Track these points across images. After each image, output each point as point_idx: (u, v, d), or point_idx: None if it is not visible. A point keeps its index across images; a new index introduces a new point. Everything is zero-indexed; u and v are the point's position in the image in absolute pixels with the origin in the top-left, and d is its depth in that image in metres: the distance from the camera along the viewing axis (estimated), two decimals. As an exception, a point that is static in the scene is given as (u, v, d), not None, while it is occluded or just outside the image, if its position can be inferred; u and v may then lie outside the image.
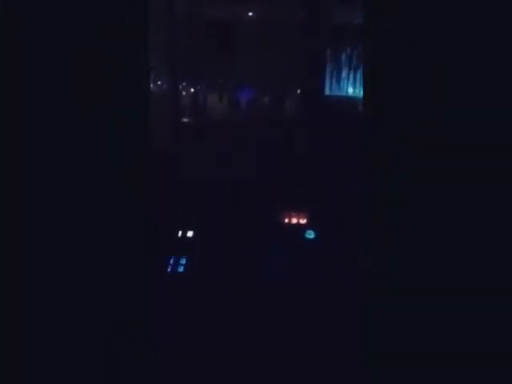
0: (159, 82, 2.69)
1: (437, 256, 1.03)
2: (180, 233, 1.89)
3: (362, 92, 3.02)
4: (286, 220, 1.89)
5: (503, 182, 0.99)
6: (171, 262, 1.78)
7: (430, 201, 1.02)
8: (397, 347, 1.08)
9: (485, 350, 1.02)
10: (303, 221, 1.88)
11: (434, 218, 1.03)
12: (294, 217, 1.89)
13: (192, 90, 2.77)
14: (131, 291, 1.12)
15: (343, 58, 3.03)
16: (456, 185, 1.01)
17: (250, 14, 2.98)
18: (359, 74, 3.04)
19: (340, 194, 1.99)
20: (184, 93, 2.78)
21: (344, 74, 3.06)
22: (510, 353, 1.01)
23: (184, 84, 2.77)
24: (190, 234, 1.89)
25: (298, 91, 2.94)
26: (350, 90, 3.07)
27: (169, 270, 1.75)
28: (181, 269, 1.76)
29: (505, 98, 0.97)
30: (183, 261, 1.79)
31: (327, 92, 3.05)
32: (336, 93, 3.05)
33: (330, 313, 1.58)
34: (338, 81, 3.07)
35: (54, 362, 1.07)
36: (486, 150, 0.99)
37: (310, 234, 1.84)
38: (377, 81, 1.06)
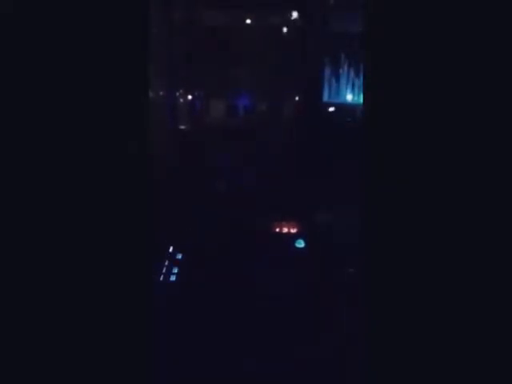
0: (158, 90, 2.70)
1: (436, 260, 1.02)
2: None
3: (360, 99, 3.01)
4: (277, 229, 1.89)
5: (502, 185, 0.98)
6: (163, 270, 1.79)
7: (429, 205, 1.02)
8: (398, 351, 1.06)
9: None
10: (293, 230, 1.88)
11: (432, 224, 1.02)
12: (284, 226, 1.89)
13: (189, 96, 2.78)
14: (129, 296, 1.12)
15: (341, 64, 3.03)
16: (455, 189, 1.01)
17: (248, 21, 2.99)
18: (357, 81, 3.04)
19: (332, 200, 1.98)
20: (181, 100, 2.78)
21: (342, 80, 3.05)
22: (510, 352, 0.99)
23: (181, 91, 2.77)
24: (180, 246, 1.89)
25: (296, 98, 2.93)
26: (349, 97, 3.07)
27: (161, 278, 1.76)
28: (173, 278, 1.77)
29: (505, 100, 0.97)
30: (175, 270, 1.79)
31: (325, 99, 3.05)
32: (334, 100, 3.05)
33: (316, 321, 1.59)
34: (337, 87, 3.06)
35: (51, 363, 1.08)
36: (486, 154, 0.99)
37: (300, 244, 1.84)
38: (377, 87, 1.06)
